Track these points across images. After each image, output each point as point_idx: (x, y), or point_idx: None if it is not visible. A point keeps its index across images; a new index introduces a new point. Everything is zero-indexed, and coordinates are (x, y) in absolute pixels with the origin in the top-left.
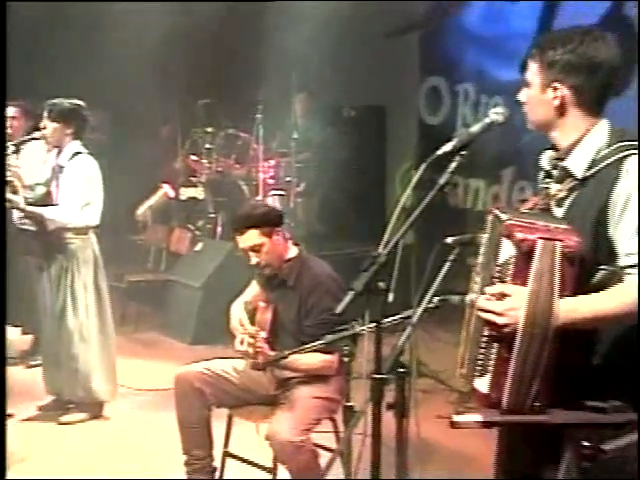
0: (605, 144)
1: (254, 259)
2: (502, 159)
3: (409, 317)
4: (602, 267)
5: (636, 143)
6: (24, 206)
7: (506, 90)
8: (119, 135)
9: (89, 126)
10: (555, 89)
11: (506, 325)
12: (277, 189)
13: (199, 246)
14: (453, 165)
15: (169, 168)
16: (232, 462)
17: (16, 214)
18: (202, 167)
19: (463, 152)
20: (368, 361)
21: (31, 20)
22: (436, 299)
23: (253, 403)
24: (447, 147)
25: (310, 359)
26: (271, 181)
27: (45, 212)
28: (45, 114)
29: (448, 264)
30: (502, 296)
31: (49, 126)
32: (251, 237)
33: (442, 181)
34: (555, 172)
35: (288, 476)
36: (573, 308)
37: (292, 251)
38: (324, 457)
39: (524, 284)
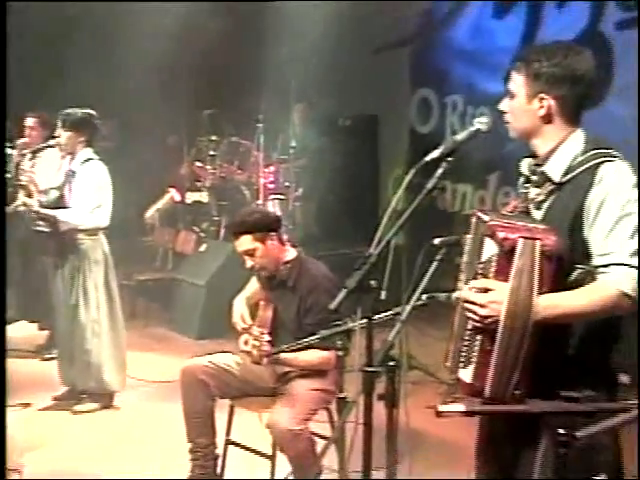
0: (581, 151)
1: (249, 262)
2: (488, 165)
3: (399, 313)
4: (578, 266)
5: (609, 151)
6: (38, 209)
7: (492, 101)
8: (130, 143)
9: (100, 134)
10: (541, 99)
11: (488, 317)
12: (277, 193)
13: (203, 247)
14: (440, 170)
15: (176, 174)
16: (233, 449)
17: (32, 216)
18: (206, 173)
19: (450, 158)
20: (360, 355)
21: (45, 35)
22: (424, 296)
23: (253, 394)
24: (435, 154)
25: (309, 356)
26: (271, 186)
27: (58, 214)
28: (59, 123)
29: (435, 264)
30: (485, 290)
31: (63, 135)
32: (245, 242)
33: (430, 185)
34: (534, 177)
35: (286, 462)
36: (551, 304)
37: (291, 253)
38: (320, 444)
39: (506, 280)
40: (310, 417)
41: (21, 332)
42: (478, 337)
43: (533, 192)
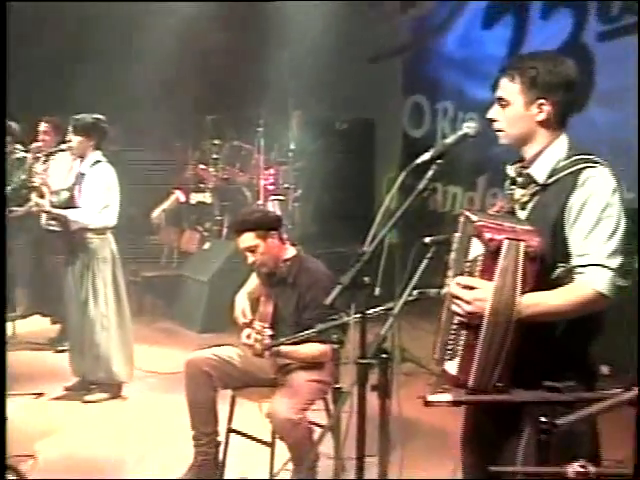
0: (565, 156)
1: (250, 258)
2: (477, 168)
3: (391, 308)
4: (560, 264)
5: (592, 157)
6: (49, 208)
7: (481, 107)
8: (137, 146)
9: (109, 138)
10: (540, 105)
11: (473, 313)
12: (276, 194)
13: (207, 245)
14: (431, 172)
15: (180, 176)
16: (235, 437)
17: (44, 216)
18: (210, 175)
19: (439, 161)
20: (355, 348)
21: (57, 42)
22: (415, 292)
23: (254, 385)
24: (425, 156)
25: (308, 349)
26: (271, 187)
27: (68, 214)
28: (70, 128)
29: (426, 261)
30: (471, 288)
31: (74, 139)
32: (247, 239)
33: (421, 186)
34: (520, 179)
35: (285, 449)
36: (532, 303)
37: (290, 251)
38: (317, 432)
39: (491, 279)
40: (308, 407)
41: (35, 326)
42: (463, 332)
43: (518, 193)
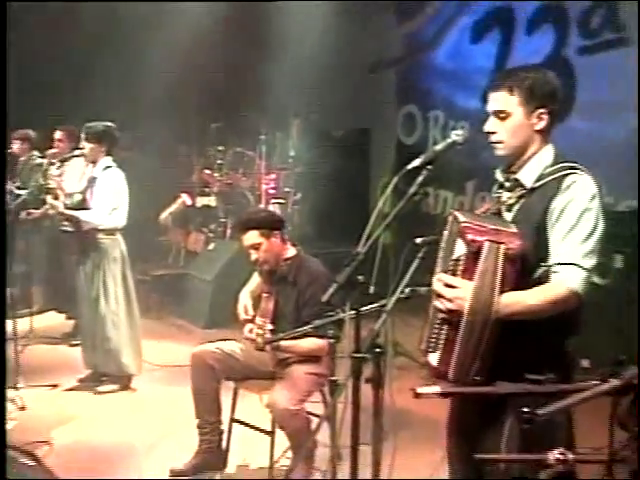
0: (551, 163)
1: (254, 255)
2: (466, 173)
3: (384, 306)
4: (542, 265)
5: (576, 165)
6: (63, 210)
7: (470, 116)
8: (145, 153)
9: (119, 145)
10: (540, 115)
11: (453, 311)
12: (277, 198)
13: (211, 246)
14: (421, 177)
15: (187, 180)
16: (237, 426)
17: (58, 217)
18: (214, 180)
19: (429, 167)
20: (349, 343)
21: (72, 53)
22: (407, 290)
23: (255, 378)
24: (416, 162)
25: (306, 343)
26: (272, 191)
27: (81, 215)
28: (83, 136)
29: (417, 261)
30: (452, 287)
31: (87, 146)
32: (251, 237)
33: (412, 190)
34: (507, 183)
35: (284, 438)
36: (510, 302)
37: (291, 251)
38: (314, 422)
39: (471, 279)
40: (306, 398)
41: (51, 321)
42: (445, 327)
43: (505, 196)
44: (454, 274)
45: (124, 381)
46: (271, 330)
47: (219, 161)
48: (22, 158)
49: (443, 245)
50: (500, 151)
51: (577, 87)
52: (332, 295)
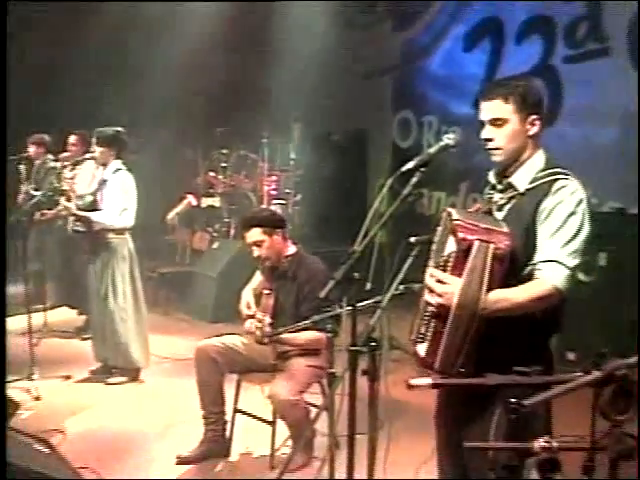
0: (542, 167)
1: (256, 252)
2: (459, 175)
3: (379, 301)
4: (530, 263)
5: (566, 170)
6: (75, 211)
7: (462, 121)
8: (153, 156)
9: (128, 148)
10: (533, 120)
11: (441, 305)
12: (278, 199)
13: (216, 244)
14: (415, 179)
15: (192, 182)
16: (240, 417)
17: (70, 218)
18: (219, 181)
19: (423, 169)
20: (346, 337)
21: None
22: (401, 287)
23: (257, 370)
24: (409, 165)
25: (305, 337)
26: (273, 192)
27: (92, 215)
28: (94, 140)
29: (411, 259)
30: (442, 282)
31: (97, 150)
32: (255, 234)
33: (406, 192)
34: (500, 186)
35: (285, 427)
36: (497, 299)
37: (291, 249)
38: (313, 412)
39: (460, 276)
40: (305, 389)
41: (63, 316)
42: (434, 319)
43: (497, 197)
44: (444, 270)
45: (133, 373)
46: (270, 324)
47: (223, 164)
48: (37, 161)
49: (436, 240)
50: (497, 157)
51: (563, 94)
52: (330, 291)
